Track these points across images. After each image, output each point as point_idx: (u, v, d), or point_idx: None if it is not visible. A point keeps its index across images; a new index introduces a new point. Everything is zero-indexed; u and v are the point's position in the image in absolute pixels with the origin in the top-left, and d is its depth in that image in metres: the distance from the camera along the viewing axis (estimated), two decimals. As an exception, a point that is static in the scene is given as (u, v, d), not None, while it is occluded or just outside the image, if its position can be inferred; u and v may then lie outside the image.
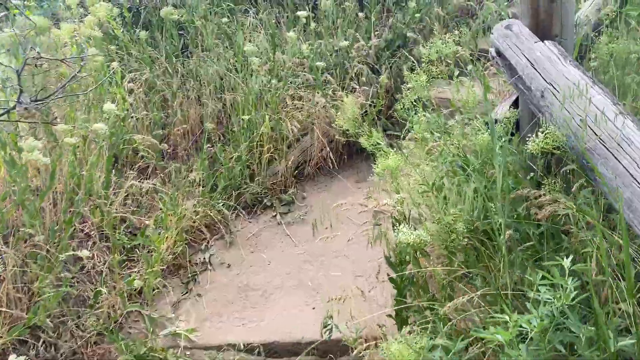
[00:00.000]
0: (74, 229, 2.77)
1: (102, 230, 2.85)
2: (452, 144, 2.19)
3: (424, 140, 2.35)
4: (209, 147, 3.45)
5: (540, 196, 1.82)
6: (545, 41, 2.09)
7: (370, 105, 3.81)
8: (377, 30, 4.15)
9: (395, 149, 2.62)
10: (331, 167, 3.74)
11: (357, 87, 3.84)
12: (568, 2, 2.14)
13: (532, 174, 1.98)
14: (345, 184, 3.69)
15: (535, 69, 2.00)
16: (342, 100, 3.80)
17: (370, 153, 2.34)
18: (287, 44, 3.80)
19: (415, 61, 4.15)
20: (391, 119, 4.08)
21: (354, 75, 3.92)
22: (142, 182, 3.03)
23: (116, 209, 2.95)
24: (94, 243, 2.82)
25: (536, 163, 1.97)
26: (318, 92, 3.54)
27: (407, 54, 4.08)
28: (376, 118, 3.84)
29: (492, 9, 4.15)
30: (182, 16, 3.94)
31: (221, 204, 3.20)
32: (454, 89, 2.57)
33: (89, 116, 3.05)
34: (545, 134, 1.74)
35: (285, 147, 3.55)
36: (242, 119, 3.30)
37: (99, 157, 2.76)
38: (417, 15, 4.05)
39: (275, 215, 3.38)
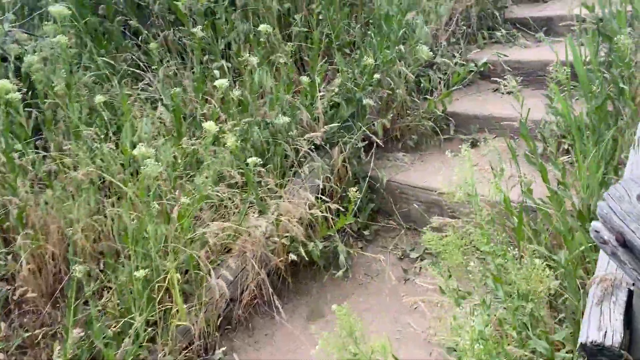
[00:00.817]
0: None
1: None
2: None
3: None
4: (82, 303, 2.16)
5: None
6: None
7: (323, 202, 2.68)
8: (322, 92, 3.01)
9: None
10: (271, 304, 2.58)
11: (303, 183, 2.70)
12: None
13: None
14: (293, 329, 2.54)
15: None
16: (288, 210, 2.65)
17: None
18: (198, 121, 2.57)
19: (373, 134, 3.08)
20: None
21: (296, 162, 2.77)
22: None
23: None
24: None
25: None
26: (255, 213, 2.35)
27: (365, 129, 3.00)
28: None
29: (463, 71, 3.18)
30: (30, 79, 2.55)
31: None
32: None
33: None
34: None
35: (203, 291, 2.32)
36: (135, 277, 2.03)
37: None
38: (376, 76, 2.96)
39: (194, 411, 2.16)
